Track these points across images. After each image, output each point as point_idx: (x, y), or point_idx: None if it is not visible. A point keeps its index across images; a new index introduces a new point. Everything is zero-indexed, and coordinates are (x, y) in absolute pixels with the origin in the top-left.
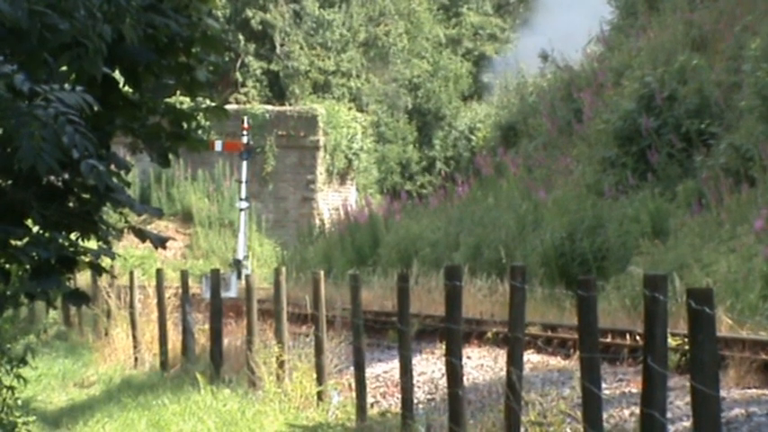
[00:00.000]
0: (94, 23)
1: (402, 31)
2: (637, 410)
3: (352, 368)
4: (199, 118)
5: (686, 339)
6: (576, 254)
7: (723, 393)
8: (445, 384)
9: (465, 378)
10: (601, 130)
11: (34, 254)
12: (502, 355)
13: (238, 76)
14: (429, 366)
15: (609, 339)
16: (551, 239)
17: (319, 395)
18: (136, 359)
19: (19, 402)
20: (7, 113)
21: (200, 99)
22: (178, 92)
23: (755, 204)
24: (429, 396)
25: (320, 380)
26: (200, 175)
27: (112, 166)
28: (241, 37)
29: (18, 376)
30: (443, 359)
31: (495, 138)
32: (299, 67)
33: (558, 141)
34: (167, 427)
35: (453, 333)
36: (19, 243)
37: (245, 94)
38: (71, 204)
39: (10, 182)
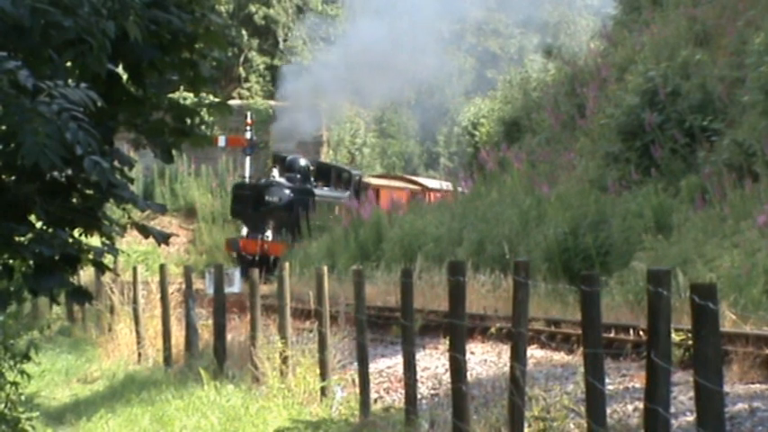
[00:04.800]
0: (98, 20)
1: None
2: (640, 405)
3: (355, 363)
4: (202, 114)
5: (690, 334)
6: (579, 249)
7: (727, 388)
8: (449, 380)
9: (468, 373)
10: (604, 124)
11: (37, 250)
12: (505, 350)
13: (241, 71)
14: (432, 362)
15: (612, 335)
16: (554, 235)
17: (323, 391)
18: (139, 355)
19: (22, 398)
20: (11, 109)
21: (203, 95)
22: (181, 87)
23: (759, 200)
24: (432, 391)
25: (323, 375)
26: (203, 170)
27: (116, 162)
28: (244, 32)
29: (22, 372)
30: (447, 354)
31: (498, 133)
32: (302, 62)
33: (561, 136)
34: (171, 422)
35: (457, 328)
36: (22, 239)
37: (249, 90)
38: (74, 200)
39: (13, 178)
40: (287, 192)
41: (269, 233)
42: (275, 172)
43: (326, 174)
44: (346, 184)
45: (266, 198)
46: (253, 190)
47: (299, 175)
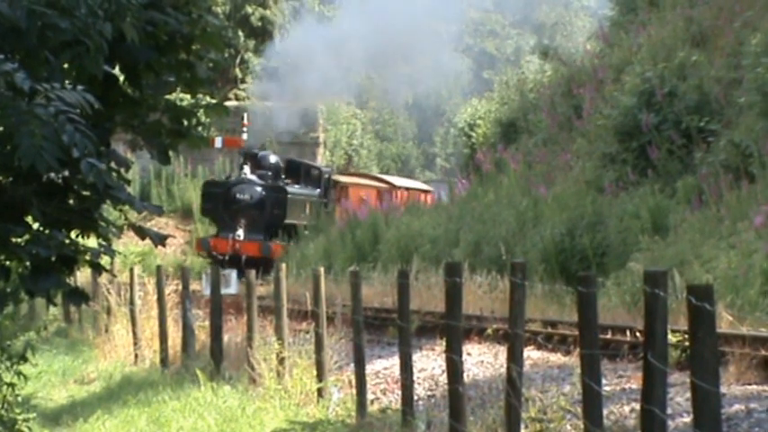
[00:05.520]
0: (95, 22)
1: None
2: (637, 407)
3: (352, 365)
4: (199, 115)
5: (686, 336)
6: (576, 250)
7: (723, 389)
8: (445, 381)
9: (465, 374)
10: (600, 125)
11: (34, 251)
12: (502, 351)
13: (238, 72)
14: (429, 363)
15: (609, 336)
16: (551, 236)
17: (319, 392)
18: (136, 356)
19: (19, 399)
20: (8, 111)
21: (200, 96)
22: (178, 89)
23: (755, 200)
24: (429, 392)
25: (320, 376)
26: (200, 171)
27: (112, 164)
28: (241, 34)
29: (18, 373)
30: (444, 356)
31: (495, 134)
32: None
33: (558, 137)
34: (167, 423)
35: (453, 330)
36: (19, 240)
37: (245, 91)
38: (71, 202)
39: (10, 179)
40: (258, 189)
41: (240, 232)
42: (246, 169)
43: (296, 171)
44: (316, 181)
45: (237, 196)
46: (223, 188)
47: (270, 173)
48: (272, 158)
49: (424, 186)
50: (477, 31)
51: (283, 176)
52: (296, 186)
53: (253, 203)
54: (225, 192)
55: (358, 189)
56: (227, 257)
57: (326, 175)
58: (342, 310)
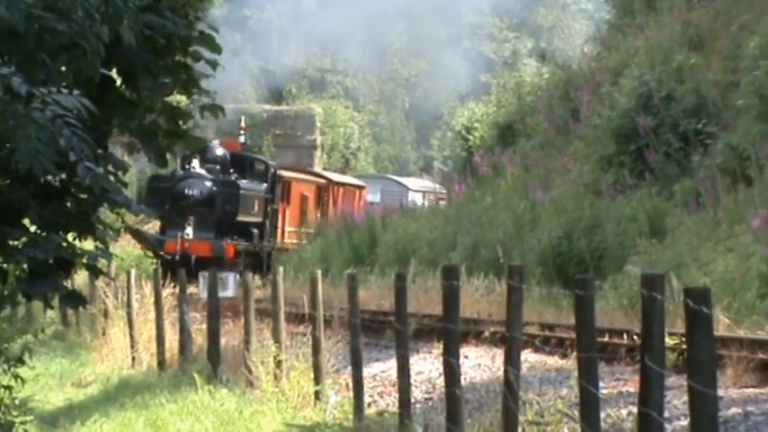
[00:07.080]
0: (92, 25)
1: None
2: (634, 410)
3: (349, 368)
4: (196, 116)
5: (684, 339)
6: (573, 253)
7: (720, 392)
8: (443, 384)
9: (462, 377)
10: (598, 126)
11: (32, 254)
12: (499, 354)
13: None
14: (426, 366)
15: (606, 339)
16: (549, 239)
17: (317, 395)
18: (133, 359)
19: (16, 402)
20: (5, 115)
21: (196, 97)
22: (175, 90)
23: (753, 203)
24: (426, 395)
25: (317, 379)
26: None
27: (109, 167)
28: (239, 37)
29: (15, 376)
30: (441, 359)
31: (492, 137)
32: (295, 65)
33: (555, 141)
34: (165, 426)
35: (451, 332)
36: (16, 243)
37: (243, 94)
38: (68, 204)
39: (8, 182)
40: (208, 184)
41: (189, 230)
42: (195, 162)
43: (242, 164)
44: (263, 176)
45: (185, 191)
46: (169, 182)
47: (218, 167)
48: (220, 151)
49: (358, 182)
50: (474, 35)
51: (231, 170)
52: (244, 181)
53: (202, 199)
54: (171, 187)
55: (300, 185)
56: (176, 257)
57: (273, 170)
58: (339, 314)
